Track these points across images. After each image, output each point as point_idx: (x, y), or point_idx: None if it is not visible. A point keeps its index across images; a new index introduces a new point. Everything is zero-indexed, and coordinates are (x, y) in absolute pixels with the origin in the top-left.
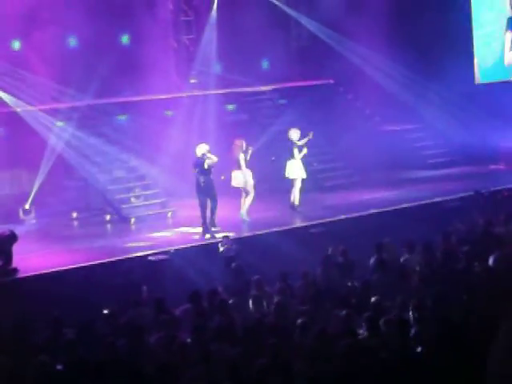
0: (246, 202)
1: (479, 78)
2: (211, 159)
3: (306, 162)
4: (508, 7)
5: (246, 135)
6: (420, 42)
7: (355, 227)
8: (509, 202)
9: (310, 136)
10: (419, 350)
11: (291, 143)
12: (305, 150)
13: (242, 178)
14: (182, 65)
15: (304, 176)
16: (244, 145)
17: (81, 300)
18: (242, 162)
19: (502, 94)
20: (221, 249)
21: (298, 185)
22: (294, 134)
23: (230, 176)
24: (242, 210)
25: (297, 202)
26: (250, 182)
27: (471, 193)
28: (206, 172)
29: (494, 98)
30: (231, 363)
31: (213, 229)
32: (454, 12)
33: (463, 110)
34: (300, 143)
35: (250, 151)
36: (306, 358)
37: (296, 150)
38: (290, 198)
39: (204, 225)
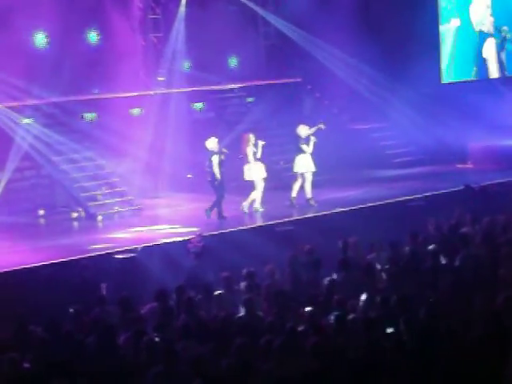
0: (251, 195)
1: (445, 77)
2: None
3: (272, 161)
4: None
5: (213, 133)
6: (387, 41)
7: (322, 226)
8: (498, 197)
9: (322, 126)
10: (386, 347)
11: (297, 138)
12: (314, 139)
13: (251, 171)
14: (149, 63)
15: (314, 169)
16: (252, 138)
17: (46, 298)
18: (251, 156)
19: (468, 94)
20: (190, 245)
21: (309, 178)
22: (303, 130)
23: (243, 170)
24: (245, 201)
25: (309, 195)
26: (257, 176)
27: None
28: (210, 166)
29: (461, 98)
30: (197, 361)
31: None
32: (420, 11)
33: (430, 109)
34: (305, 136)
35: (260, 145)
36: (273, 356)
37: (304, 145)
38: (295, 194)
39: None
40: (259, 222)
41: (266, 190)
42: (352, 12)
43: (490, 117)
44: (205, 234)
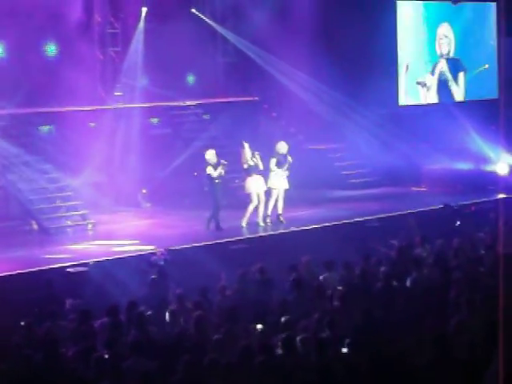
0: (248, 209)
1: (402, 99)
2: (212, 169)
3: (227, 179)
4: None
5: (170, 149)
6: (345, 61)
7: (276, 244)
8: (476, 216)
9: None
10: (336, 369)
11: (277, 155)
12: (290, 159)
13: (246, 184)
14: (107, 77)
15: (287, 186)
16: (247, 151)
17: None
18: (246, 168)
19: (424, 116)
20: (153, 258)
21: (281, 195)
22: (282, 147)
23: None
24: (243, 217)
25: (280, 211)
26: (252, 189)
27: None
28: (209, 179)
29: (417, 120)
30: (145, 378)
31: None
32: (379, 34)
33: (386, 131)
34: (281, 153)
35: (256, 157)
36: (221, 374)
37: (274, 160)
38: (269, 211)
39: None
40: (213, 240)
41: (223, 207)
42: (311, 32)
43: (444, 140)
44: (170, 248)
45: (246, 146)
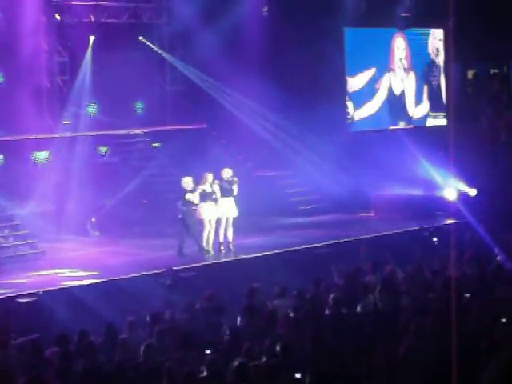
0: (203, 235)
1: (352, 126)
2: (192, 195)
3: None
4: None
5: (119, 177)
6: (294, 88)
7: (225, 272)
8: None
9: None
10: None
11: (222, 182)
12: (236, 181)
13: (199, 210)
14: (55, 106)
15: (236, 214)
16: (210, 178)
17: None
18: (202, 193)
19: (373, 143)
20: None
21: (230, 222)
22: (227, 174)
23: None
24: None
25: (230, 239)
26: (205, 216)
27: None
28: (184, 204)
29: (366, 147)
30: None
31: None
32: (327, 60)
33: (335, 158)
34: (226, 179)
35: (215, 185)
36: None
37: (220, 189)
38: (221, 239)
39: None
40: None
41: (170, 235)
42: (259, 60)
43: (393, 166)
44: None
45: (209, 175)
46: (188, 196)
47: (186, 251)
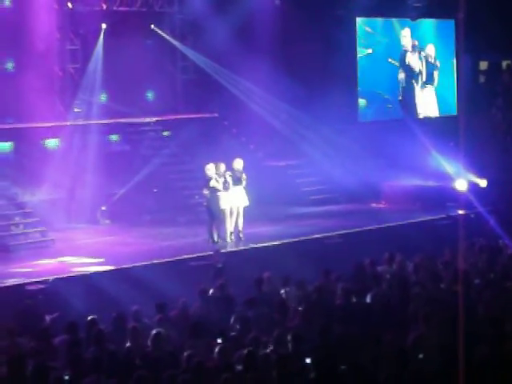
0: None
1: (362, 116)
2: (216, 182)
3: (187, 195)
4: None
5: (129, 166)
6: (304, 78)
7: (236, 261)
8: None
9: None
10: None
11: (233, 172)
12: (245, 176)
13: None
14: (66, 94)
15: (247, 203)
16: (221, 168)
17: None
18: (215, 185)
19: (383, 133)
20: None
21: (241, 212)
22: (238, 164)
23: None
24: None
25: (241, 229)
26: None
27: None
28: (210, 191)
29: (377, 136)
30: None
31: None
32: (338, 50)
33: (346, 148)
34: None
35: (227, 175)
36: None
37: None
38: (231, 228)
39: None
40: (172, 257)
41: (181, 224)
42: (270, 49)
43: (404, 156)
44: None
45: (220, 165)
46: (212, 183)
47: (216, 238)
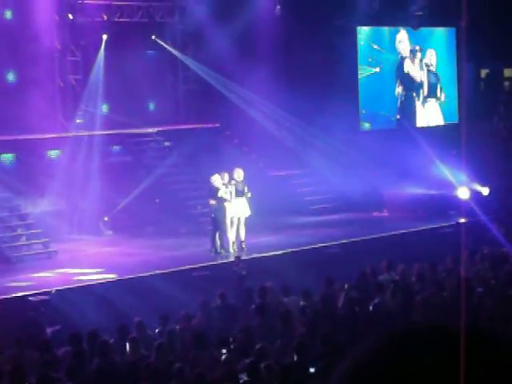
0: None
1: (364, 125)
2: (224, 192)
3: (189, 205)
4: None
5: (131, 177)
6: (307, 88)
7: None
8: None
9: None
10: None
11: (235, 182)
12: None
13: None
14: (68, 105)
15: (248, 213)
16: (225, 177)
17: None
18: (222, 195)
19: (385, 142)
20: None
21: (242, 222)
22: (238, 174)
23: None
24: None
25: (243, 238)
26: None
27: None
28: (217, 201)
29: (379, 145)
30: None
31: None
32: (340, 60)
33: (348, 157)
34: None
35: (232, 185)
36: None
37: (236, 189)
38: (233, 238)
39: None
40: (174, 267)
41: (182, 234)
42: (272, 58)
43: (406, 165)
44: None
45: (225, 174)
46: (221, 193)
47: (219, 248)
